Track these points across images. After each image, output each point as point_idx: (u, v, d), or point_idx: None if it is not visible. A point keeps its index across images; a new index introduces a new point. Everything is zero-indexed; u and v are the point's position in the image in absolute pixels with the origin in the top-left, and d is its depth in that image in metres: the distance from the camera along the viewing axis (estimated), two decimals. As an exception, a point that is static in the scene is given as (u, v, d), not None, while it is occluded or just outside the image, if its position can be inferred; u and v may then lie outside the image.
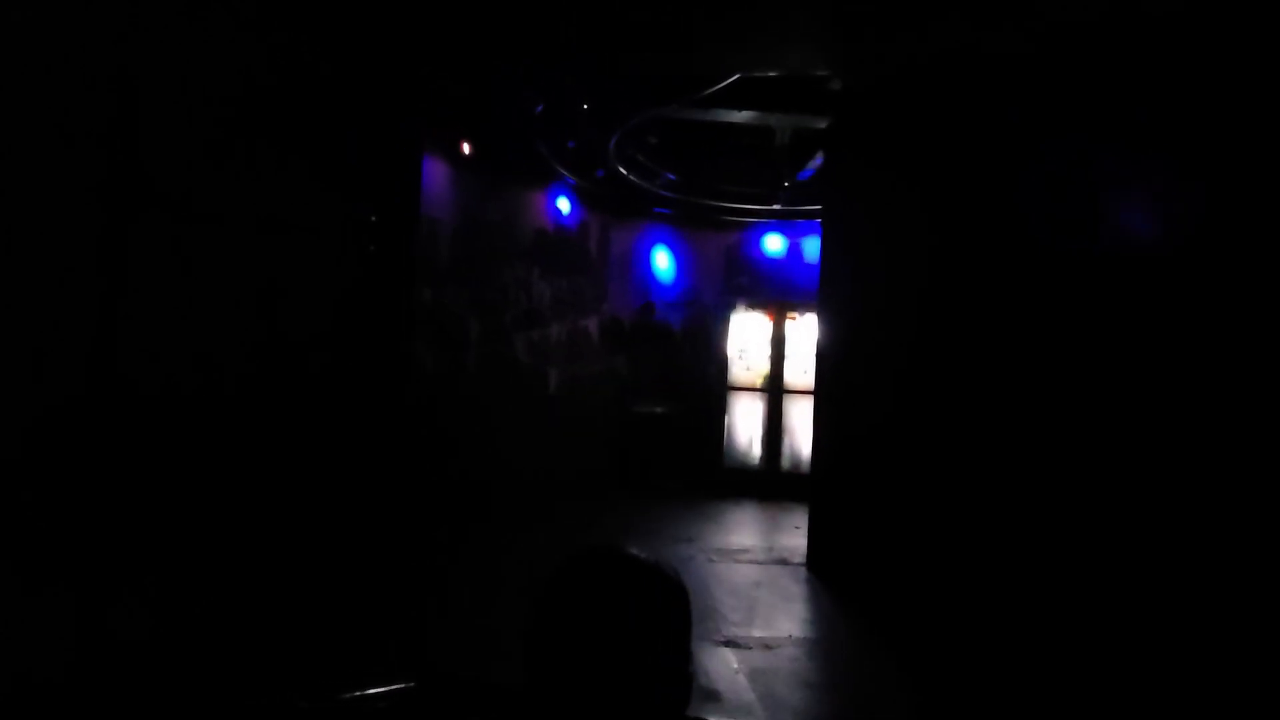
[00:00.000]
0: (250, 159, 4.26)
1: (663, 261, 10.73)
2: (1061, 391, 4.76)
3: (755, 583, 6.14)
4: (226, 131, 4.03)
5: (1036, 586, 4.64)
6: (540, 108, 6.79)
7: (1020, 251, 5.07)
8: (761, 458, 10.62)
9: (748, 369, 10.77)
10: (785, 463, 10.57)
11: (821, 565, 6.56)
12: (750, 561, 6.80)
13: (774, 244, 10.77)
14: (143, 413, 3.86)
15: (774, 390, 10.66)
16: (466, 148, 7.86)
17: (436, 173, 7.77)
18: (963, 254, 5.51)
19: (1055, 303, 4.76)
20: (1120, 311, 4.44)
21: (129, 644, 3.68)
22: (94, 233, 3.60)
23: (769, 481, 10.42)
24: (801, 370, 10.60)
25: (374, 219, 5.03)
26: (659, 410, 10.52)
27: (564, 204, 9.60)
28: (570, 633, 1.01)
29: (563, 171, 9.06)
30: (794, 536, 7.86)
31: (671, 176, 9.61)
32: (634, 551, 1.08)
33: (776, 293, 10.73)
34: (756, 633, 4.94)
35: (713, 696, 3.96)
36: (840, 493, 6.46)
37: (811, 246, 10.78)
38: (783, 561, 6.85)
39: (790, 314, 10.71)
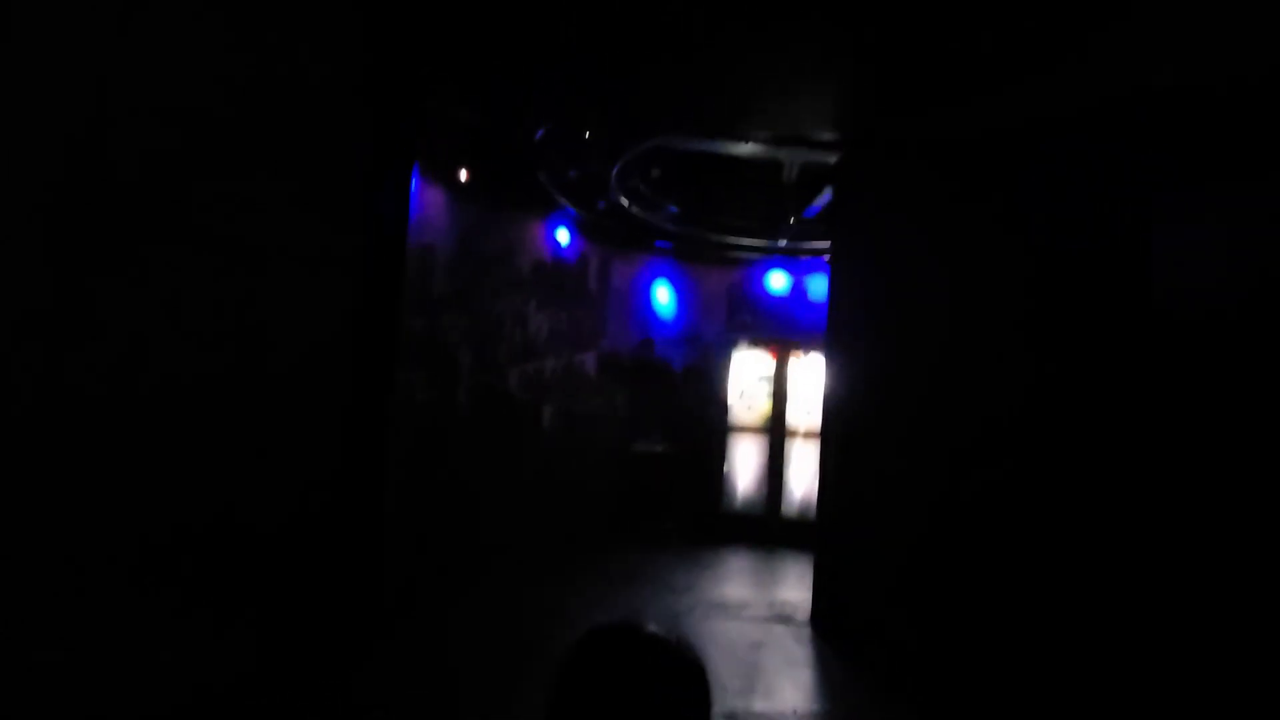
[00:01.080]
0: (229, 177, 3.97)
1: (664, 297, 10.45)
2: (1088, 440, 4.43)
3: (755, 643, 5.72)
4: (202, 145, 3.73)
5: (1080, 653, 4.25)
6: (541, 133, 6.52)
7: (1045, 292, 4.76)
8: (762, 502, 10.21)
9: (749, 409, 10.42)
10: (787, 508, 10.17)
11: (827, 624, 6.15)
12: (750, 618, 6.38)
13: (778, 281, 10.51)
14: (99, 433, 3.51)
15: (776, 432, 10.29)
16: (464, 174, 7.61)
17: (433, 199, 7.50)
18: (978, 298, 5.21)
19: (1092, 350, 4.44)
20: (1174, 366, 4.11)
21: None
22: (53, 251, 3.28)
23: (769, 528, 10.01)
24: (805, 411, 10.26)
25: (361, 242, 4.72)
26: (657, 450, 10.15)
27: (563, 235, 9.34)
28: (591, 713, 1.02)
29: (563, 201, 8.81)
30: (796, 589, 7.44)
31: (674, 209, 9.37)
32: (654, 629, 1.08)
33: (780, 331, 10.43)
34: (758, 705, 4.53)
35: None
36: (848, 544, 6.08)
37: (816, 285, 10.52)
38: (785, 619, 6.43)
39: (794, 353, 10.39)
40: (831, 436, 6.65)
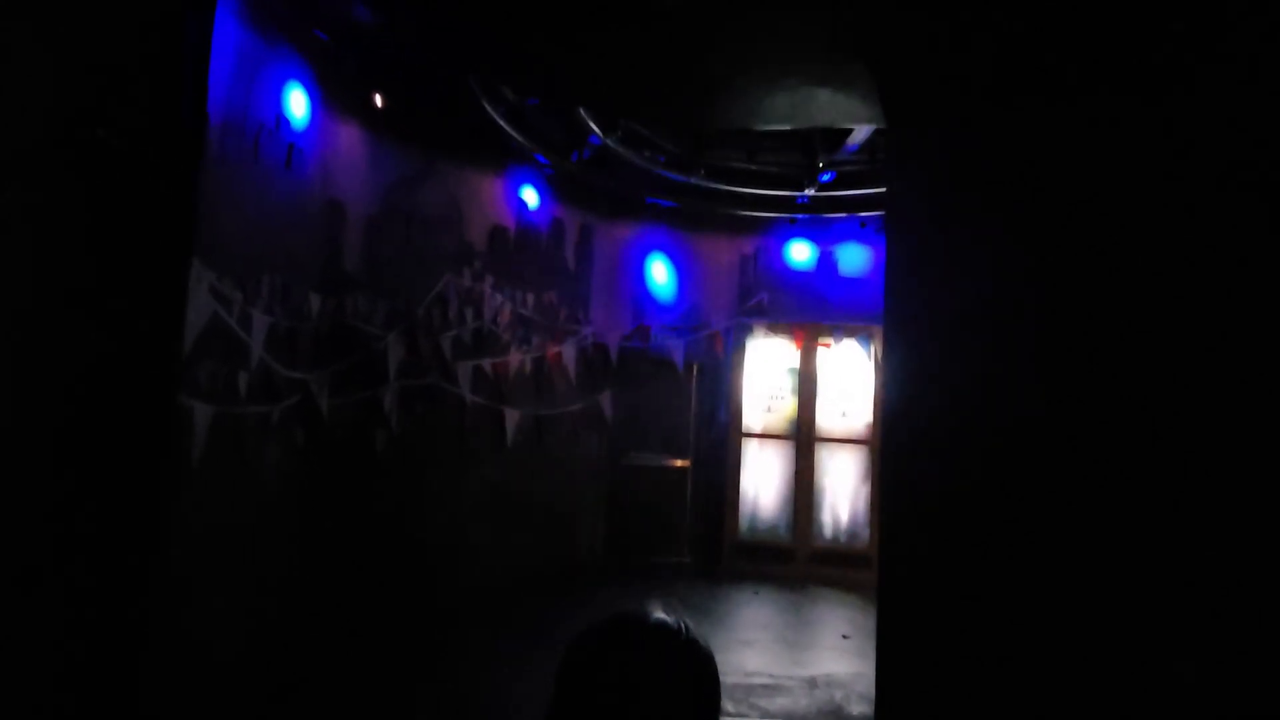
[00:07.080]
0: None
1: (660, 273, 8.46)
2: None
3: (795, 769, 3.72)
4: None
5: None
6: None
7: None
8: (787, 527, 8.19)
9: (768, 410, 8.41)
10: (818, 534, 8.14)
11: (898, 726, 4.10)
12: (782, 715, 4.35)
13: (801, 252, 8.50)
14: None
15: (803, 438, 8.27)
16: (379, 99, 5.67)
17: (340, 136, 5.57)
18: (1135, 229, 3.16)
19: None
20: None
21: None
22: None
23: (797, 559, 8.00)
24: (839, 412, 8.25)
25: (102, 134, 2.80)
26: (654, 463, 8.16)
27: (530, 194, 7.39)
28: (597, 702, 0.99)
29: (525, 143, 6.85)
30: (844, 658, 5.42)
31: (672, 148, 7.38)
32: (661, 616, 1.06)
33: (805, 313, 8.41)
34: None
35: None
36: (935, 597, 4.01)
37: (848, 255, 8.52)
38: (834, 714, 4.40)
39: (823, 340, 8.38)
40: (896, 441, 4.61)
